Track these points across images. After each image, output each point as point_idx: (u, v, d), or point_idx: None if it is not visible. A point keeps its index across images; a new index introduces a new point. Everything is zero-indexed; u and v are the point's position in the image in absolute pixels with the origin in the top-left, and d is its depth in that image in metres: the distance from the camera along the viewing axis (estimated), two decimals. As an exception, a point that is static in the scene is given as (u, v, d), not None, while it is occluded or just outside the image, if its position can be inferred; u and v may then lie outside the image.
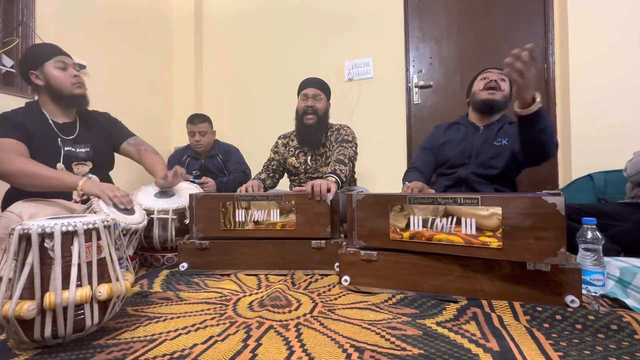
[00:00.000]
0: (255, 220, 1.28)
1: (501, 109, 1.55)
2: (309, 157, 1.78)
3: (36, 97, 1.42)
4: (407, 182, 1.45)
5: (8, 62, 1.88)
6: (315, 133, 1.73)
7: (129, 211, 1.26)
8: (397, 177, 1.77)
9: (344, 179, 1.47)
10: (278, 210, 1.27)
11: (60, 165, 1.36)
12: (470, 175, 1.50)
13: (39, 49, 1.41)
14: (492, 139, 1.51)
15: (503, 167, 1.47)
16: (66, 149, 1.38)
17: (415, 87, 2.53)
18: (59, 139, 1.37)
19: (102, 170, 1.51)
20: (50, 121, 1.38)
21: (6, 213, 1.15)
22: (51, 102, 1.38)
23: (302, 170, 1.80)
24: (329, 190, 1.26)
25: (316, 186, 1.26)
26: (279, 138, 1.90)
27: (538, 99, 1.15)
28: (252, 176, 2.05)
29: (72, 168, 1.39)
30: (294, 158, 1.81)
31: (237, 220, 1.29)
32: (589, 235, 0.99)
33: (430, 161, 1.66)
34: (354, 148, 1.68)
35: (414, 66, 2.56)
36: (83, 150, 1.43)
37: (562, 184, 2.14)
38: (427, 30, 2.54)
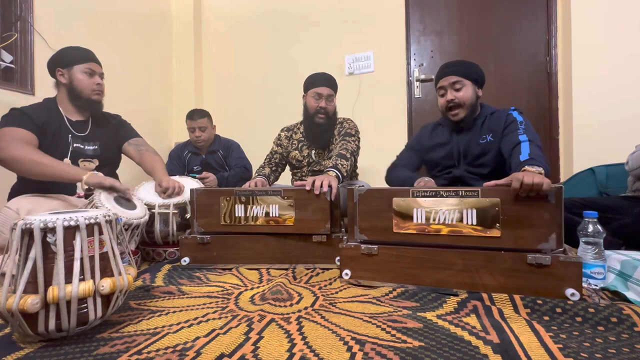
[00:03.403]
0: (256, 215, 1.28)
1: (473, 115, 1.44)
2: (313, 151, 1.78)
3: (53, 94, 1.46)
4: (417, 179, 1.39)
5: (7, 57, 1.87)
6: (325, 132, 1.73)
7: (131, 206, 1.27)
8: (398, 172, 1.76)
9: (345, 174, 1.46)
10: (278, 206, 1.27)
11: (67, 160, 1.39)
12: (464, 173, 1.46)
13: (75, 51, 1.43)
14: (477, 137, 1.43)
15: (493, 164, 1.41)
16: (75, 145, 1.42)
17: (417, 80, 2.52)
18: (70, 135, 1.42)
19: (108, 167, 1.54)
20: (65, 118, 1.42)
21: (3, 209, 1.16)
22: (68, 101, 1.43)
23: (305, 164, 1.80)
24: (330, 187, 1.26)
25: (317, 181, 1.26)
26: (282, 130, 1.88)
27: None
28: (254, 171, 2.05)
29: (79, 164, 1.42)
30: (297, 152, 1.80)
31: (237, 215, 1.29)
32: (590, 228, 0.99)
33: (414, 162, 1.61)
34: (356, 142, 1.66)
35: (415, 60, 2.54)
36: (91, 147, 1.47)
37: (563, 177, 2.13)
38: (428, 23, 2.51)
